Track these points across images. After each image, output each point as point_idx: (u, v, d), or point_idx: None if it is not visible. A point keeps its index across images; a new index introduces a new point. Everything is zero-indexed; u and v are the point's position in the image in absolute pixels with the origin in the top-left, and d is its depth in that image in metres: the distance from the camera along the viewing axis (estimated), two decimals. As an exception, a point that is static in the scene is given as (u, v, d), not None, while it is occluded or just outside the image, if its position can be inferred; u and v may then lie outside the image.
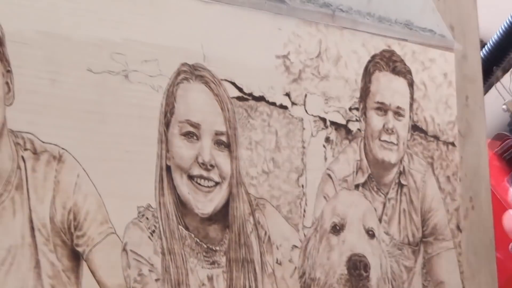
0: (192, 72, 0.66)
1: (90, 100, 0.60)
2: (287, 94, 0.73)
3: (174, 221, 0.63)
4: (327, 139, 0.76)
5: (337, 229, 0.75)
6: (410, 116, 0.84)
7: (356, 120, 0.79)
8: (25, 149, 0.57)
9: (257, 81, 0.71)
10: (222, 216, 0.67)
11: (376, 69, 0.82)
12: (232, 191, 0.67)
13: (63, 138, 0.58)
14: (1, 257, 0.54)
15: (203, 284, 0.64)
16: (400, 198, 0.81)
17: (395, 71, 0.83)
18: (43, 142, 0.57)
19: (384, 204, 0.80)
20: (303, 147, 0.74)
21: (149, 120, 0.63)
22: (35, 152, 0.57)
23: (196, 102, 0.66)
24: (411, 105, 0.84)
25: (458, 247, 0.85)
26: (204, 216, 0.65)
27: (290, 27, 0.75)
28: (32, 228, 0.56)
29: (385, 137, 0.81)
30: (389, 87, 0.82)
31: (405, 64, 0.85)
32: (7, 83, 0.56)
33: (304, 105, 0.75)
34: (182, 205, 0.64)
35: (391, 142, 0.81)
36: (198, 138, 0.65)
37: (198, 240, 0.65)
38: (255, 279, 0.67)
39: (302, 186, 0.73)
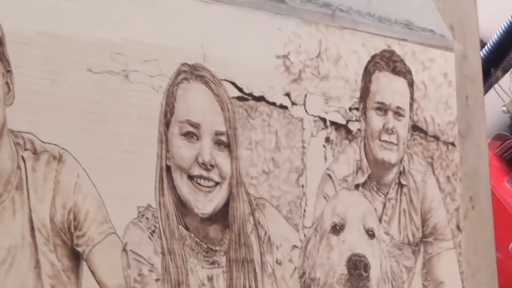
0: (192, 72, 0.66)
1: (90, 100, 0.60)
2: (287, 94, 0.73)
3: (174, 221, 0.63)
4: (327, 139, 0.76)
5: (337, 229, 0.75)
6: (410, 116, 0.84)
7: (356, 120, 0.79)
8: (25, 149, 0.57)
9: (257, 81, 0.71)
10: (222, 216, 0.67)
11: (376, 69, 0.82)
12: (232, 191, 0.67)
13: (63, 138, 0.58)
14: (1, 257, 0.54)
15: (203, 284, 0.64)
16: (400, 198, 0.81)
17: (395, 71, 0.83)
18: (43, 142, 0.57)
19: (384, 204, 0.80)
20: (303, 147, 0.74)
21: (149, 120, 0.63)
22: (35, 152, 0.57)
23: (196, 102, 0.66)
24: (411, 105, 0.84)
25: (458, 247, 0.85)
26: (204, 216, 0.65)
27: (290, 27, 0.75)
28: (32, 228, 0.56)
29: (385, 137, 0.81)
30: (389, 87, 0.82)
31: (405, 64, 0.84)
32: (7, 83, 0.56)
33: (304, 105, 0.75)
34: (182, 205, 0.64)
35: (391, 142, 0.81)
36: (198, 138, 0.65)
37: (198, 240, 0.65)
38: (255, 279, 0.67)
39: (302, 186, 0.73)
